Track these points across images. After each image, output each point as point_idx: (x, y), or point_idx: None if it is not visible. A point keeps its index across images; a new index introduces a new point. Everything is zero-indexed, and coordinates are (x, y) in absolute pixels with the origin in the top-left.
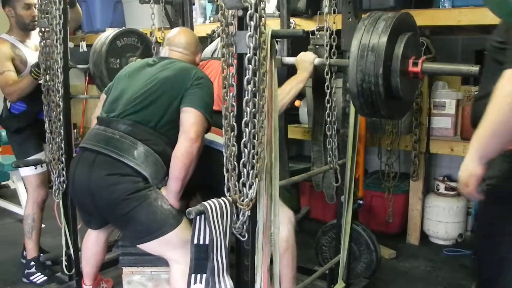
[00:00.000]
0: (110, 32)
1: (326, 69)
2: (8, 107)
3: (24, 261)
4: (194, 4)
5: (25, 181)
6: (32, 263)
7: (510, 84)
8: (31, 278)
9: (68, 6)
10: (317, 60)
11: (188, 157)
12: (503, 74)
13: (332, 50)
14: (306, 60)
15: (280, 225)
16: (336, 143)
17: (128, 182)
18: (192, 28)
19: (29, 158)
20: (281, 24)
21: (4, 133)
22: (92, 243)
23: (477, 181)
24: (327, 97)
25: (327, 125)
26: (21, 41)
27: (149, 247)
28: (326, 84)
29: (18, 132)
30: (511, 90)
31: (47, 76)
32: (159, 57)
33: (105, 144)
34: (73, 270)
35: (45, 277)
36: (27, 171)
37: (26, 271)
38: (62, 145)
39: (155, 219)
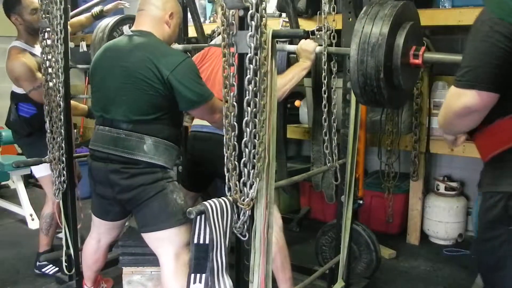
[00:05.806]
0: (105, 25)
1: (324, 59)
2: (17, 110)
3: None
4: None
5: (42, 181)
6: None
7: (450, 99)
8: (43, 269)
9: None
10: (318, 48)
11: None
12: (449, 90)
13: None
14: (307, 50)
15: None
16: (336, 142)
17: (146, 173)
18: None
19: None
20: (290, 23)
21: (4, 133)
22: (93, 249)
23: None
24: (324, 88)
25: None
26: (32, 45)
27: (150, 237)
28: (323, 75)
29: (29, 135)
30: (450, 105)
31: (48, 76)
32: (127, 35)
33: (114, 145)
34: (73, 270)
35: (57, 268)
36: (42, 172)
37: (38, 263)
38: (63, 145)
39: (166, 210)
